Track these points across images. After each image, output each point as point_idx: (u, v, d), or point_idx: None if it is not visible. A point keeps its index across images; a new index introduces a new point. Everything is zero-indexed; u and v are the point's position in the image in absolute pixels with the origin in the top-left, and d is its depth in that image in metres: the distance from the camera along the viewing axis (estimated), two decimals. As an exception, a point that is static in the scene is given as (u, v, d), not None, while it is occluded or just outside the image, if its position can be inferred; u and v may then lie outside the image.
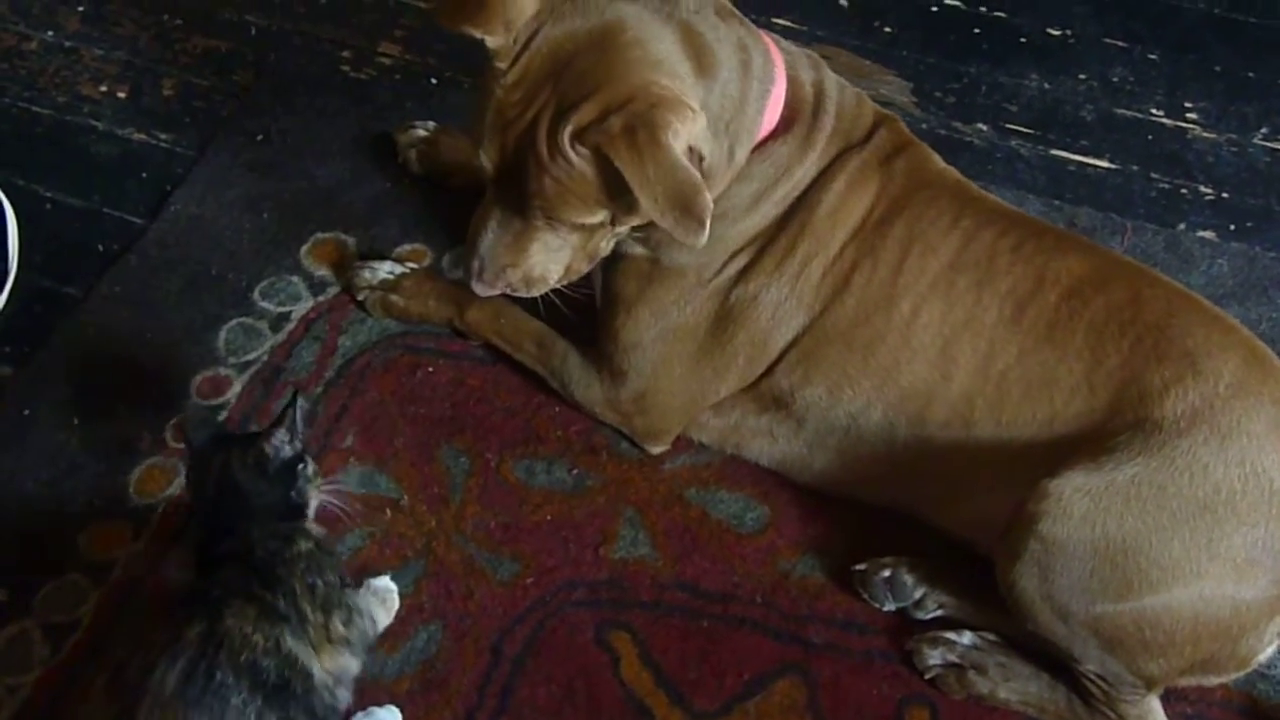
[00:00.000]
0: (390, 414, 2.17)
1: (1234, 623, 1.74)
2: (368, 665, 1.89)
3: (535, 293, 1.95)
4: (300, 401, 1.80)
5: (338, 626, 1.71)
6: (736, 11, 1.92)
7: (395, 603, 1.93)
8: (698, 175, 1.72)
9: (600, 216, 1.83)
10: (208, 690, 1.55)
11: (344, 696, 1.71)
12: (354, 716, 1.80)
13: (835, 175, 1.96)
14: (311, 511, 1.81)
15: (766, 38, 1.94)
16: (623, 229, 1.89)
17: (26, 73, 2.67)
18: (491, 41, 1.78)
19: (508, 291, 1.95)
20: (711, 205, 1.71)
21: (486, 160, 1.84)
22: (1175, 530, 1.71)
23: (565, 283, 1.96)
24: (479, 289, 1.94)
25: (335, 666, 1.69)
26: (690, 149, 1.75)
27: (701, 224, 1.70)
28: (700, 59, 1.81)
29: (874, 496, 2.07)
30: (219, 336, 2.26)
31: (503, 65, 1.78)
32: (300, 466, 1.79)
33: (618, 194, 1.76)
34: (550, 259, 1.91)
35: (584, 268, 1.96)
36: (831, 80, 2.02)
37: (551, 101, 1.75)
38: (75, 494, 2.07)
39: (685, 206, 1.69)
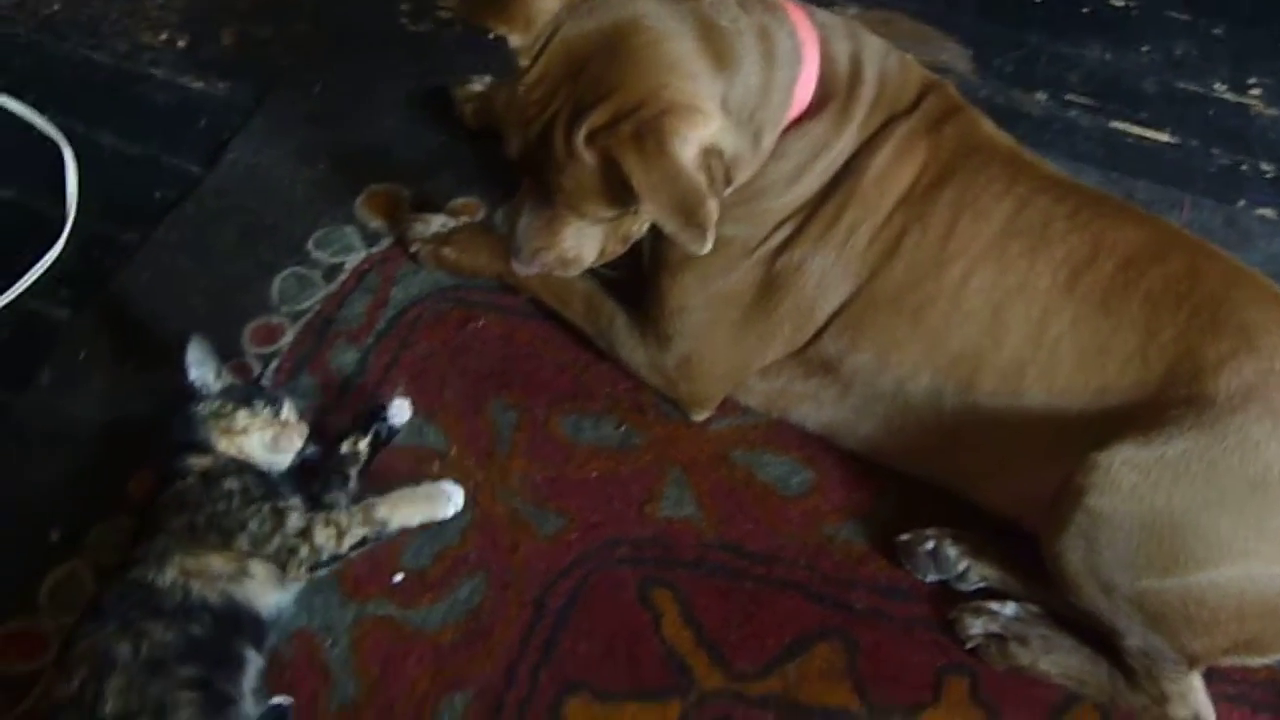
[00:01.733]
0: (440, 366, 2.18)
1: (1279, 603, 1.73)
2: (411, 617, 1.93)
3: (573, 272, 1.97)
4: (196, 343, 1.94)
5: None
6: None
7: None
8: (703, 183, 1.71)
9: (617, 211, 1.85)
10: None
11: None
12: None
13: (882, 143, 1.95)
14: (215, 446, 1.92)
15: (797, 13, 1.92)
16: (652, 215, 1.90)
17: (88, 20, 2.69)
18: (514, 40, 1.80)
19: (546, 271, 1.96)
20: (716, 214, 1.71)
21: (511, 154, 1.85)
22: (1224, 507, 1.69)
23: (603, 263, 1.98)
24: (518, 269, 1.97)
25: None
26: (708, 149, 1.75)
27: (704, 232, 1.70)
28: (719, 54, 1.80)
29: (920, 468, 2.06)
30: (273, 285, 2.28)
31: (524, 63, 1.79)
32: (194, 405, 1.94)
33: (626, 196, 1.77)
34: (583, 242, 1.92)
35: (620, 249, 1.97)
36: (872, 49, 2.00)
37: (569, 102, 1.76)
38: (128, 437, 2.10)
39: (688, 215, 1.69)
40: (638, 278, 2.12)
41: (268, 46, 2.65)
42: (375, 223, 2.36)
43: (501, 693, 1.88)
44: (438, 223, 2.30)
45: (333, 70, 2.59)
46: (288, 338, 2.22)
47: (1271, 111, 2.67)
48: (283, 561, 1.83)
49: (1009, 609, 1.96)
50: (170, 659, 1.68)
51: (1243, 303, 1.81)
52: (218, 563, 1.79)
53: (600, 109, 1.72)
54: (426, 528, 1.97)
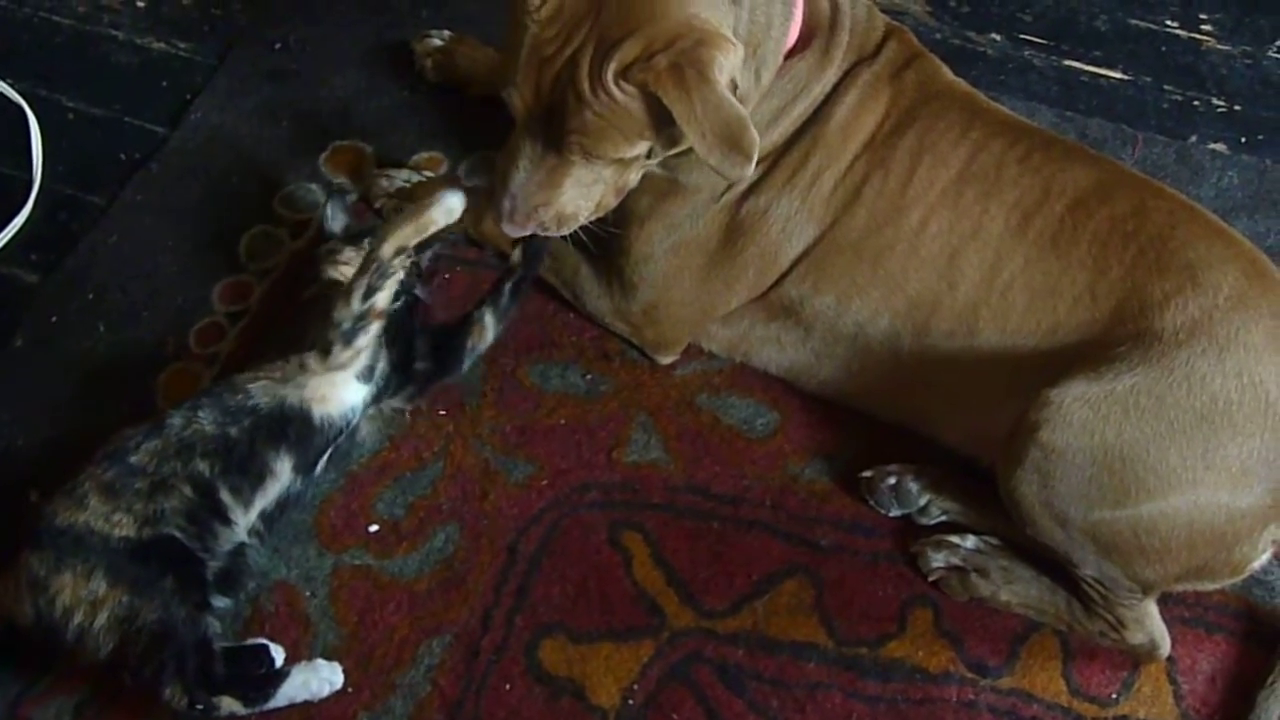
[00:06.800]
0: (408, 320, 2.21)
1: (1228, 530, 1.77)
2: (387, 567, 1.96)
3: (565, 231, 1.91)
4: (334, 201, 2.15)
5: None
6: None
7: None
8: (743, 111, 1.72)
9: (640, 149, 1.83)
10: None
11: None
12: (295, 667, 1.83)
13: (847, 89, 1.98)
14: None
15: None
16: (653, 161, 1.89)
17: (46, -18, 2.68)
18: None
19: (539, 231, 1.90)
20: (758, 140, 1.72)
21: (518, 98, 1.81)
22: (1172, 439, 1.74)
23: (594, 219, 1.94)
24: (510, 230, 1.90)
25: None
26: (731, 80, 1.75)
27: (748, 159, 1.71)
28: None
29: (880, 409, 2.10)
30: (240, 244, 2.30)
31: (536, 1, 1.75)
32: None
33: (661, 129, 1.77)
34: (582, 195, 1.88)
35: (612, 203, 1.94)
36: None
37: (591, 38, 1.73)
38: (103, 399, 2.12)
39: (733, 142, 1.70)
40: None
41: (227, 4, 2.65)
42: (340, 179, 2.38)
43: (478, 637, 1.93)
44: (402, 178, 2.31)
45: (293, 27, 2.59)
46: (257, 295, 2.24)
47: (1223, 46, 2.70)
48: (328, 344, 1.88)
49: (969, 542, 2.00)
50: (197, 447, 1.82)
51: (1188, 240, 1.85)
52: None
53: (630, 42, 1.71)
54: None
